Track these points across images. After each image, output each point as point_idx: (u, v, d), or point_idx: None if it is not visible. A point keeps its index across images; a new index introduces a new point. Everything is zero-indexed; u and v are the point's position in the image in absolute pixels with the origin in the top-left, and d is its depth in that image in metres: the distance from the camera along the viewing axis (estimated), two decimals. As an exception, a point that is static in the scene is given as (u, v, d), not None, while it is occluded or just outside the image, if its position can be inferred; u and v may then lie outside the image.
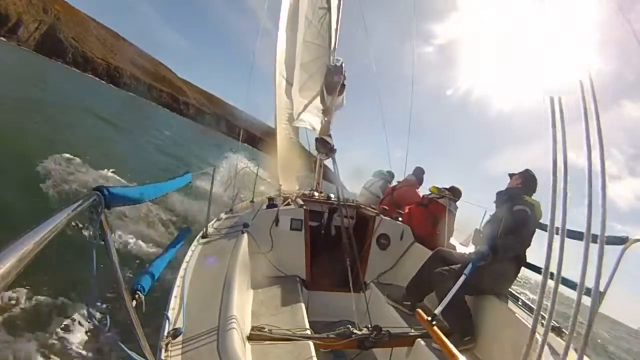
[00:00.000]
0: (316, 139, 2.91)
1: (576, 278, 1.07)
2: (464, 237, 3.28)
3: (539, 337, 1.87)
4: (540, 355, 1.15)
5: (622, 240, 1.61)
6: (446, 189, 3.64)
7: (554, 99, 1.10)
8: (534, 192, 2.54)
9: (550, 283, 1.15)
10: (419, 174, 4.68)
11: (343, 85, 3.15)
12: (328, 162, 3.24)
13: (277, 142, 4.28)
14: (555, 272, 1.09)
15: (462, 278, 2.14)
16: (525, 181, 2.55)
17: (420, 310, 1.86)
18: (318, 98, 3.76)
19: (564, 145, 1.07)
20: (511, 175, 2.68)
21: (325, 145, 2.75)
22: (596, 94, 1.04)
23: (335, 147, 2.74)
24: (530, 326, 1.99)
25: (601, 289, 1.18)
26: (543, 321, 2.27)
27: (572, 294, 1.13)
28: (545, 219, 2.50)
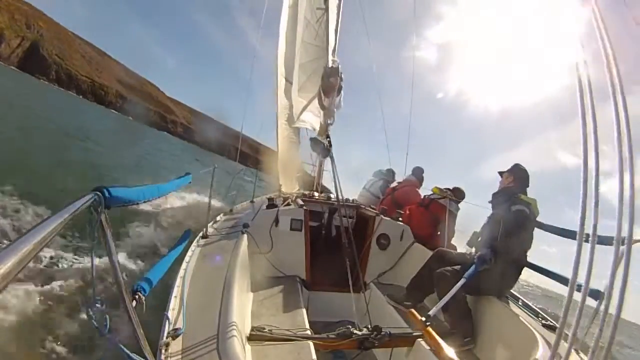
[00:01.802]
0: (310, 139, 2.90)
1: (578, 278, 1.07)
2: (466, 239, 3.26)
3: (538, 337, 1.88)
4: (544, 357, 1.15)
5: (622, 241, 1.61)
6: (449, 189, 3.63)
7: (583, 91, 1.06)
8: (528, 186, 2.51)
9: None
10: (418, 173, 4.68)
11: (340, 87, 3.13)
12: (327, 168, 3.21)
13: (276, 144, 4.27)
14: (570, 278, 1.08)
15: (462, 281, 2.13)
16: (518, 177, 2.52)
17: (414, 311, 1.86)
18: (316, 99, 3.76)
19: (596, 147, 1.03)
20: (501, 173, 2.66)
21: (319, 145, 2.73)
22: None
23: (329, 147, 2.72)
24: (530, 326, 2.00)
25: (601, 288, 1.18)
26: (543, 321, 2.28)
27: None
28: (547, 219, 2.49)
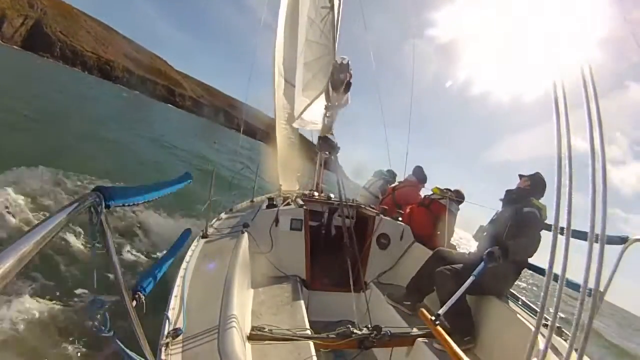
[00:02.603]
0: (319, 138, 2.91)
1: (576, 277, 1.08)
2: (464, 240, 3.26)
3: (539, 337, 1.87)
4: (543, 356, 1.15)
5: (622, 240, 1.62)
6: (449, 190, 3.65)
7: (557, 91, 1.08)
8: (542, 196, 2.54)
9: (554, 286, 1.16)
10: (419, 173, 4.68)
11: (349, 83, 3.16)
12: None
13: (276, 138, 4.24)
14: (559, 273, 1.09)
15: (471, 279, 2.10)
16: (534, 184, 2.55)
17: (424, 310, 1.86)
18: (321, 97, 3.75)
19: (569, 141, 1.05)
20: (521, 177, 2.68)
21: (327, 143, 2.74)
22: (597, 86, 1.04)
23: (338, 146, 2.74)
24: (530, 326, 2.00)
25: (601, 288, 1.19)
26: (543, 321, 2.27)
27: (574, 293, 1.15)
28: (550, 219, 2.50)
